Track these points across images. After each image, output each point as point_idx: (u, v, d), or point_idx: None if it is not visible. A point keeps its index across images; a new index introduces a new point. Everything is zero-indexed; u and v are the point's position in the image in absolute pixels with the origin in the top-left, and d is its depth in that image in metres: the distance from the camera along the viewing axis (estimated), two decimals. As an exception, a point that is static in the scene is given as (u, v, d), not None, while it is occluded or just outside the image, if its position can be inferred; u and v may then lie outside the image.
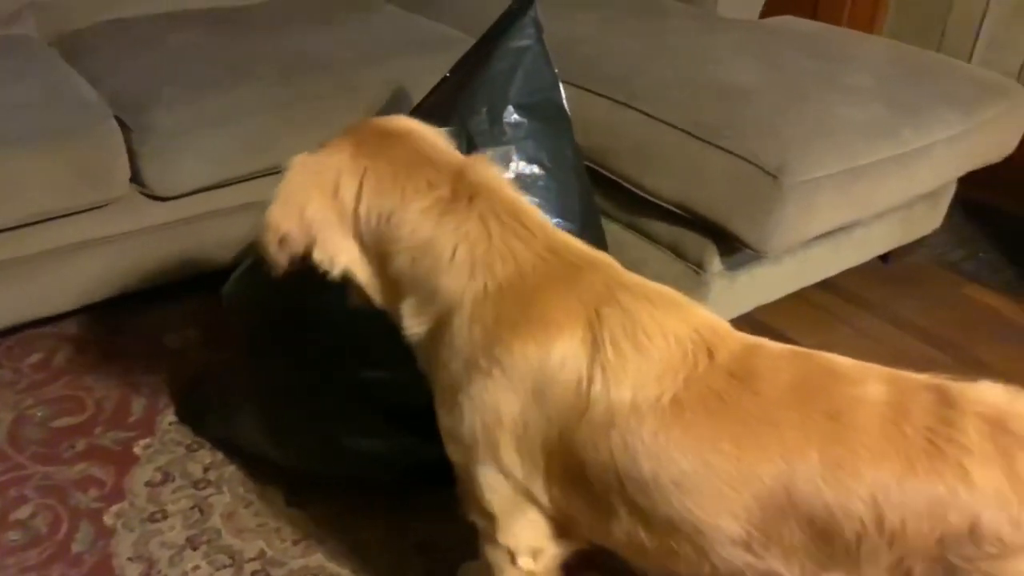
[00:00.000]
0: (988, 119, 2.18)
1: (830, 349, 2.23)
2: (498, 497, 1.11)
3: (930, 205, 2.46)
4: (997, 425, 0.93)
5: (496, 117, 1.62)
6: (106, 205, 1.93)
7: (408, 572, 1.56)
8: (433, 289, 1.10)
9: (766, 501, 0.95)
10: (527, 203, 1.15)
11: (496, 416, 1.06)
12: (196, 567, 1.55)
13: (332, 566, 1.56)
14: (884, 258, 2.59)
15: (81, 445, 1.78)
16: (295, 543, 1.60)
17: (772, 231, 1.87)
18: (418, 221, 1.09)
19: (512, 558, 1.18)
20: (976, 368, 2.20)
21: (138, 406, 1.89)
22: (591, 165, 2.11)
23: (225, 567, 1.56)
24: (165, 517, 1.64)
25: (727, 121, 1.93)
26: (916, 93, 2.12)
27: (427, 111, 1.69)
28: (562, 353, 1.02)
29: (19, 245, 1.87)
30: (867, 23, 3.12)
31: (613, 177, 2.09)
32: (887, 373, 1.00)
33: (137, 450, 1.78)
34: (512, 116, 1.63)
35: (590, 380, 1.00)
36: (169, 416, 1.87)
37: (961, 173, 2.30)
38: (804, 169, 1.83)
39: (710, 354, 1.00)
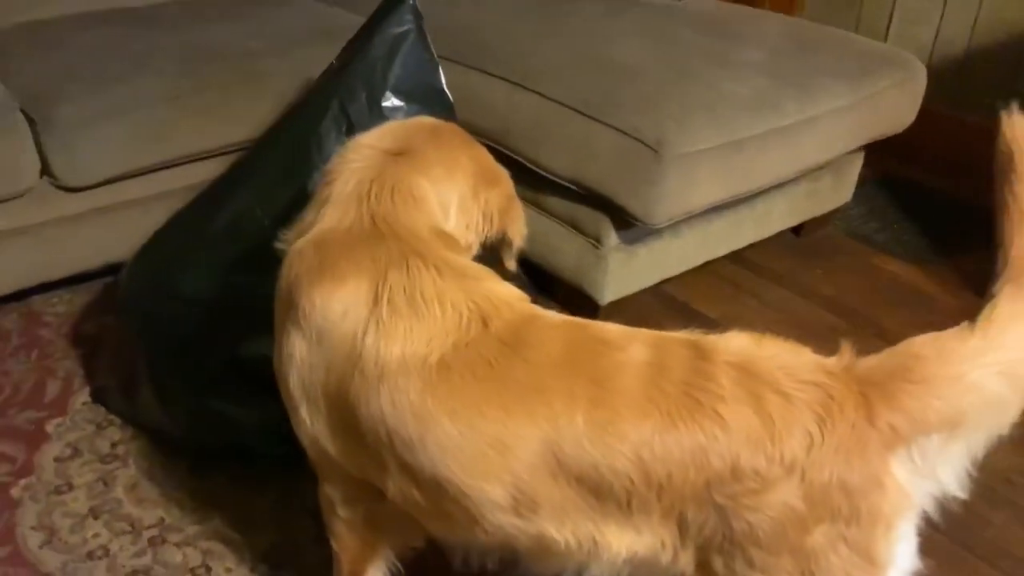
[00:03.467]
0: (877, 91, 2.26)
1: (734, 320, 2.32)
2: (307, 441, 1.19)
3: (836, 179, 2.54)
4: (745, 370, 1.01)
5: (375, 102, 1.69)
6: (19, 197, 2.01)
7: (298, 535, 1.64)
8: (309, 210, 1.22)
9: (534, 464, 1.02)
10: (410, 185, 1.19)
11: (290, 355, 1.13)
12: (96, 534, 1.63)
13: (226, 531, 1.64)
14: (797, 231, 2.67)
15: (-5, 425, 1.86)
16: (192, 511, 1.68)
17: (656, 203, 1.95)
18: (353, 149, 1.22)
19: (332, 505, 1.25)
20: (875, 333, 2.29)
21: (53, 388, 1.97)
22: (492, 145, 2.18)
23: (125, 533, 1.63)
24: (70, 489, 1.72)
25: (613, 98, 2.01)
26: (804, 67, 2.20)
27: (309, 97, 1.77)
28: (344, 304, 1.08)
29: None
30: (787, 5, 3.20)
31: (513, 156, 2.16)
32: (650, 336, 1.08)
33: (49, 428, 1.86)
34: (390, 100, 1.71)
35: (364, 333, 1.07)
36: (83, 397, 1.94)
37: (854, 146, 2.38)
38: (684, 142, 1.91)
39: (484, 323, 1.06)
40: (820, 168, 2.38)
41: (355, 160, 1.22)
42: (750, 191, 2.15)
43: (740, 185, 2.10)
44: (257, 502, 1.69)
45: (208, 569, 1.58)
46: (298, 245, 1.18)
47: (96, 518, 1.66)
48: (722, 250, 2.39)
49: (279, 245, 1.24)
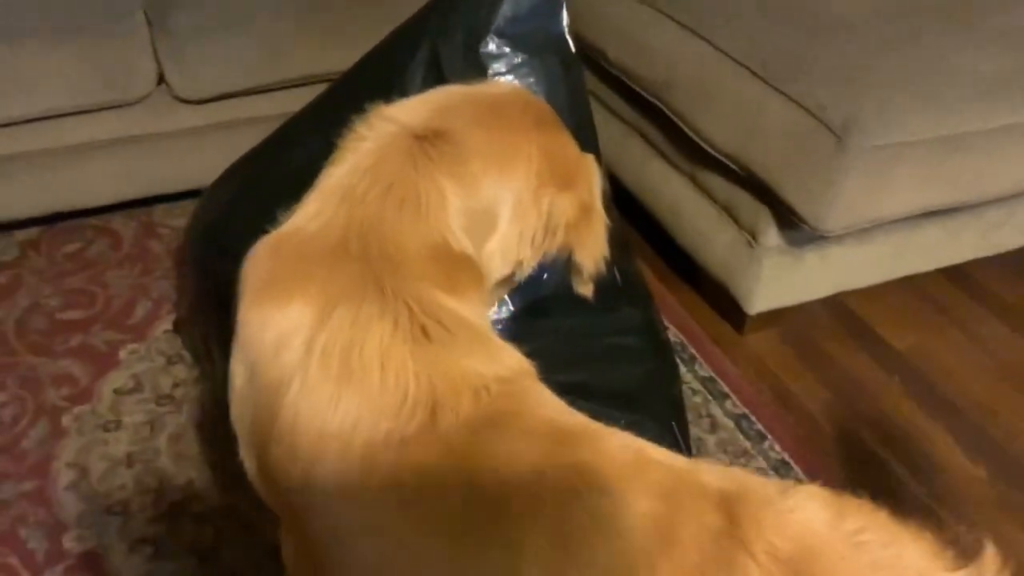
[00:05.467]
0: None
1: (928, 354, 1.82)
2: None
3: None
4: (795, 570, 0.63)
5: (472, 46, 1.37)
6: (136, 103, 1.91)
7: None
8: None
9: None
10: (415, 184, 0.89)
11: (233, 377, 0.89)
12: (122, 486, 1.53)
13: (247, 510, 1.48)
14: (1046, 249, 2.06)
15: (75, 341, 1.80)
16: (223, 480, 1.53)
17: (830, 205, 1.50)
18: (370, 122, 0.94)
19: (279, 549, 1.02)
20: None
21: (142, 309, 1.89)
22: (651, 99, 1.81)
23: (149, 491, 1.52)
24: (118, 428, 1.63)
25: (801, 61, 1.55)
26: (1090, 41, 1.60)
27: (401, 31, 1.48)
28: (279, 337, 0.81)
29: (59, 135, 1.90)
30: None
31: (671, 116, 1.77)
32: (665, 476, 0.72)
33: (122, 354, 1.78)
34: (491, 45, 1.38)
35: (288, 386, 0.79)
36: (166, 324, 1.85)
37: None
38: (880, 131, 1.43)
39: (433, 413, 0.75)
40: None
41: (366, 138, 0.93)
42: (970, 202, 1.62)
43: (954, 194, 1.58)
44: (287, 486, 1.52)
45: (215, 552, 1.43)
46: (259, 243, 0.92)
47: (129, 467, 1.56)
48: (928, 265, 1.87)
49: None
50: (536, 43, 1.39)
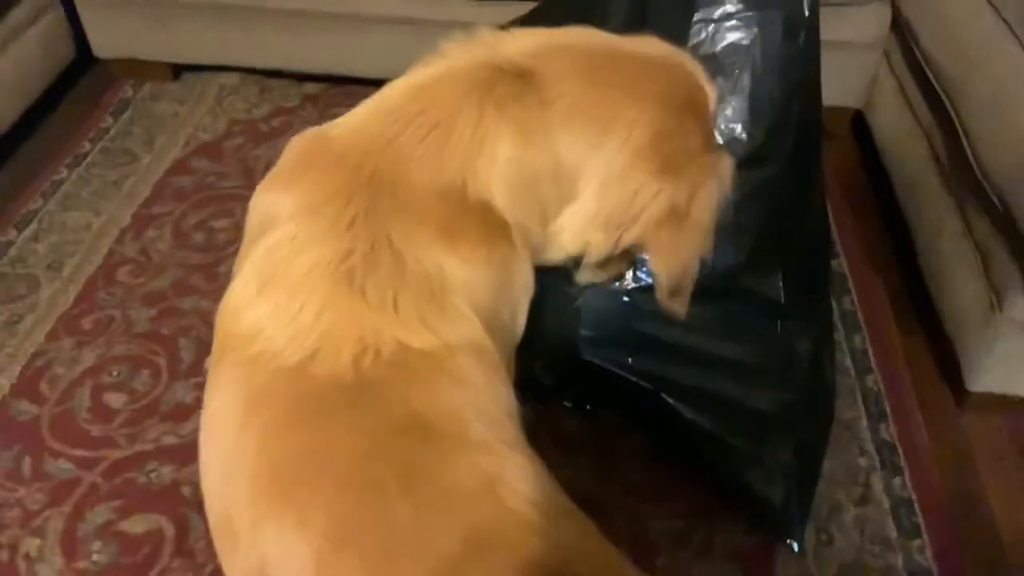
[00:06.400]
0: None
1: None
2: None
3: None
4: None
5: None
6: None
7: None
8: None
9: None
10: (456, 117, 0.82)
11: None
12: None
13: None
14: None
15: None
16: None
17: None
18: (466, 39, 0.90)
19: None
20: None
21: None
22: (944, 98, 1.50)
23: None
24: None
25: None
26: None
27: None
28: (261, 220, 0.84)
29: (346, 3, 2.02)
30: None
31: (957, 126, 1.45)
32: (485, 524, 0.62)
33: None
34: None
35: (239, 268, 0.81)
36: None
37: None
38: None
39: (309, 358, 0.71)
40: None
41: (445, 56, 0.89)
42: None
43: None
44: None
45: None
46: (298, 135, 0.92)
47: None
48: None
49: None
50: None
